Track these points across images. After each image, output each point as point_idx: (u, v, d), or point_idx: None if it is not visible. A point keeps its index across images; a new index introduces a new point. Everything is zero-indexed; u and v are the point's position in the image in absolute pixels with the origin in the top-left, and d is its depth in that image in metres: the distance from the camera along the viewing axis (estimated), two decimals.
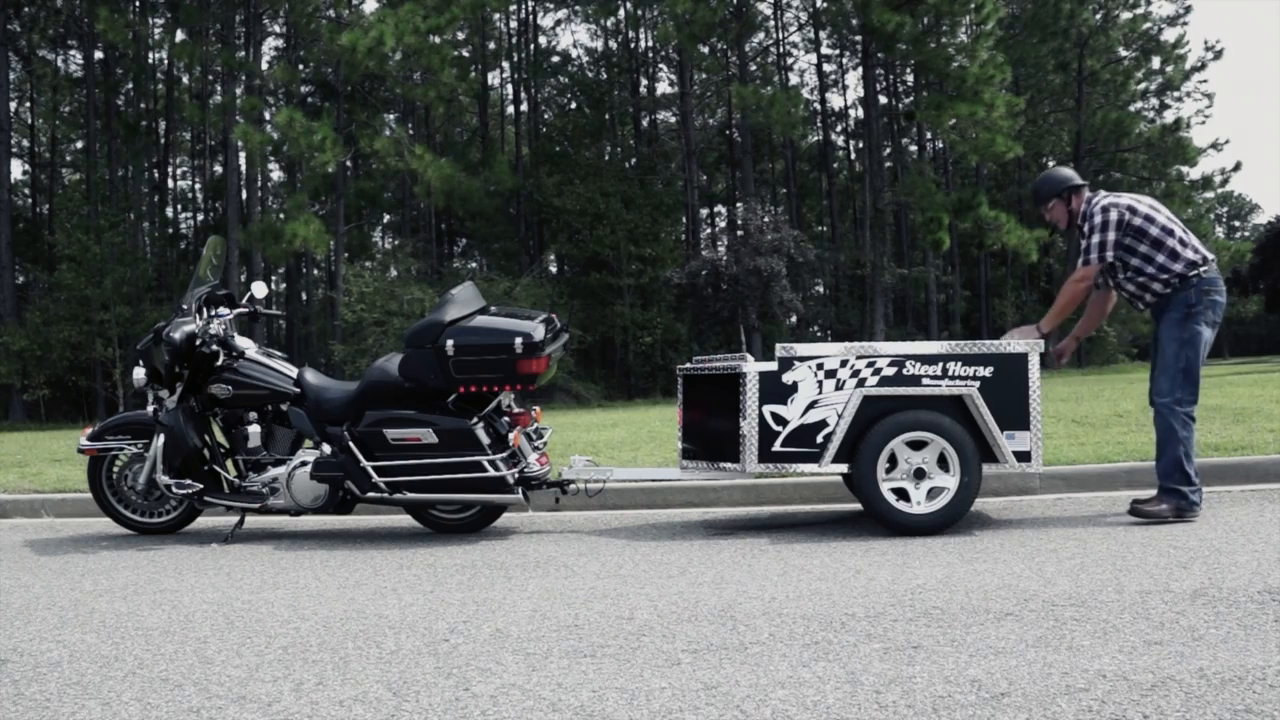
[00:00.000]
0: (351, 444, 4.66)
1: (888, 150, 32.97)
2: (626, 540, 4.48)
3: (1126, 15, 32.11)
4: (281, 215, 23.97)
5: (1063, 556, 3.69)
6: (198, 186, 34.97)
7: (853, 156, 38.08)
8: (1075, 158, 30.69)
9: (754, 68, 31.58)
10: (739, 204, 25.44)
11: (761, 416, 4.47)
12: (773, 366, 4.49)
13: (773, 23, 32.91)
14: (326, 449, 4.74)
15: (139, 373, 4.97)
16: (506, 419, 4.69)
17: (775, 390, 4.47)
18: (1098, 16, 31.25)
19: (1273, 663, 2.37)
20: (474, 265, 31.94)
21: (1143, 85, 33.50)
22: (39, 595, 3.70)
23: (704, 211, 33.78)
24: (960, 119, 22.49)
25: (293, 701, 2.38)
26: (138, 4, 26.79)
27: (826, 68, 36.61)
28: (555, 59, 34.20)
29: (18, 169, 31.17)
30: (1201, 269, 4.40)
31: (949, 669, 2.42)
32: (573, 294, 26.69)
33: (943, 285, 33.33)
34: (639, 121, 34.14)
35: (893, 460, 4.37)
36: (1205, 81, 56.99)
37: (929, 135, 34.07)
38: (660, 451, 6.99)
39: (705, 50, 27.66)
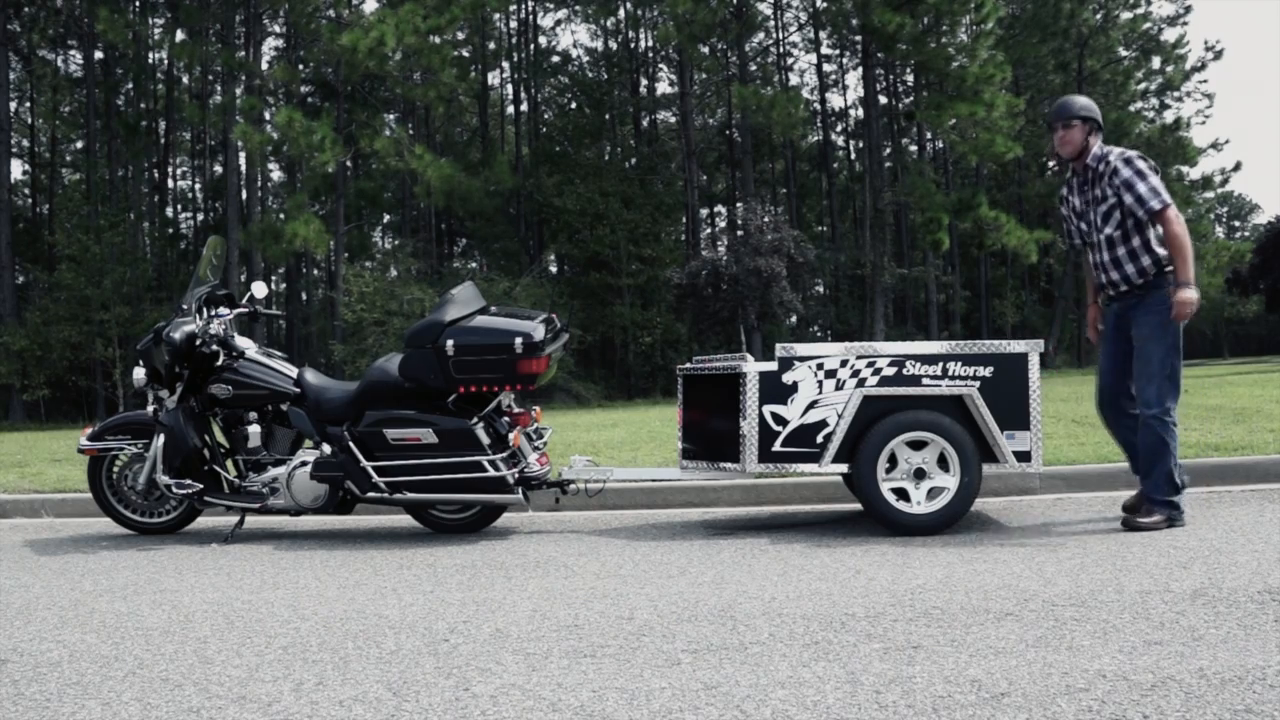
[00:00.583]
0: (351, 444, 4.66)
1: (888, 150, 32.97)
2: (626, 540, 4.47)
3: (1126, 15, 32.16)
4: (281, 215, 23.98)
5: (1063, 556, 3.69)
6: (198, 186, 35.03)
7: (853, 156, 38.10)
8: None
9: (754, 68, 31.60)
10: (739, 204, 25.45)
11: (761, 416, 4.47)
12: (773, 366, 4.49)
13: (773, 23, 32.94)
14: (326, 449, 4.74)
15: (139, 373, 4.97)
16: (506, 419, 4.69)
17: (775, 390, 4.47)
18: (1098, 16, 31.27)
19: (1273, 663, 2.37)
20: (474, 265, 31.92)
21: (1143, 85, 33.56)
22: (39, 595, 3.70)
23: (704, 211, 33.80)
24: (960, 119, 22.51)
25: (293, 701, 2.38)
26: (138, 4, 26.81)
27: (826, 68, 36.68)
28: (555, 59, 34.25)
29: (18, 169, 31.20)
30: (1166, 266, 4.27)
31: (949, 669, 2.42)
32: (573, 294, 26.70)
33: (943, 285, 33.32)
34: (639, 121, 34.14)
35: (893, 460, 4.37)
36: (1205, 81, 57.15)
37: (929, 135, 34.08)
38: (660, 451, 6.99)
39: (705, 50, 27.69)
